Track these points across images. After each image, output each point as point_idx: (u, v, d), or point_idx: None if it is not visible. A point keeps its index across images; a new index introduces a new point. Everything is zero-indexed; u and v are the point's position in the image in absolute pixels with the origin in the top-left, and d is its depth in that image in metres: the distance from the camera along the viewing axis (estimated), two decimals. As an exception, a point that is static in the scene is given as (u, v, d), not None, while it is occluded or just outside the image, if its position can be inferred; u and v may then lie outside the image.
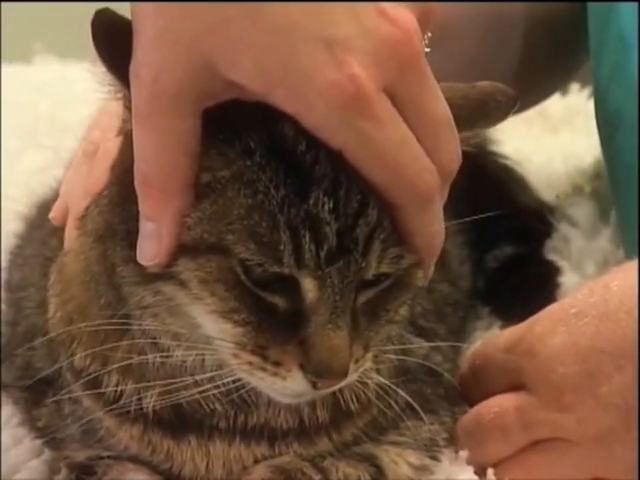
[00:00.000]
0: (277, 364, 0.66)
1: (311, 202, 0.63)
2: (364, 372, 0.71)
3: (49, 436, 0.80)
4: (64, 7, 1.97)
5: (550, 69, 1.26)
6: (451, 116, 0.67)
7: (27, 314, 0.85)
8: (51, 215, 0.87)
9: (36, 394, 0.81)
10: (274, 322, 0.66)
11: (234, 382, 0.69)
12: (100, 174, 0.77)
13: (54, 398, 0.78)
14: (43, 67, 1.88)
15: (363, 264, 0.65)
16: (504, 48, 1.21)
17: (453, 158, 0.68)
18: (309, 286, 0.64)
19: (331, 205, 0.63)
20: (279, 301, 0.66)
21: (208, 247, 0.65)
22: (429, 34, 0.73)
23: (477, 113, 0.72)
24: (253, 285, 0.65)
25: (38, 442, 0.82)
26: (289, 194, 0.63)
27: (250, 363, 0.66)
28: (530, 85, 1.23)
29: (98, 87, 0.68)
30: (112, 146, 0.75)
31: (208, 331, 0.68)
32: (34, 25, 2.24)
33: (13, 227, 1.02)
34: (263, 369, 0.66)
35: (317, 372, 0.65)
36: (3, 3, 2.14)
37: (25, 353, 0.82)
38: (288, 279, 0.65)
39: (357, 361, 0.68)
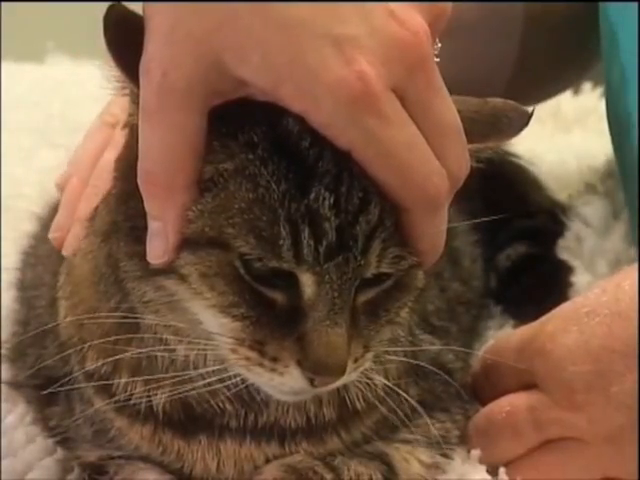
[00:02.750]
0: (274, 360, 0.66)
1: (312, 197, 0.63)
2: (365, 372, 0.71)
3: (61, 435, 0.81)
4: (76, 6, 1.97)
5: (554, 63, 1.26)
6: (460, 123, 0.67)
7: (38, 313, 0.85)
8: (57, 181, 0.89)
9: (48, 393, 0.81)
10: (273, 318, 0.66)
11: (236, 376, 0.69)
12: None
13: (55, 384, 0.77)
14: (55, 66, 1.88)
15: (362, 262, 0.65)
16: (501, 41, 1.20)
17: (461, 164, 0.68)
18: (308, 282, 0.64)
19: (332, 201, 0.63)
20: (278, 296, 0.66)
21: (208, 241, 0.65)
22: (439, 44, 0.73)
23: (489, 128, 0.71)
24: (252, 280, 0.65)
25: (51, 441, 0.82)
26: (290, 189, 0.63)
27: (248, 358, 0.66)
28: (530, 81, 1.23)
29: (110, 86, 0.68)
30: None
31: (208, 326, 0.68)
32: (46, 24, 2.25)
33: (27, 227, 1.02)
34: (261, 365, 0.66)
35: (314, 369, 0.65)
36: (16, 3, 2.15)
37: (37, 352, 0.82)
38: (287, 274, 0.65)
39: (356, 360, 0.68)
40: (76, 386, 0.76)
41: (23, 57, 1.86)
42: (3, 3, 2.17)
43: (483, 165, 0.72)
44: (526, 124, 0.72)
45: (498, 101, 0.73)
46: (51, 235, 0.84)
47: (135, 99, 0.66)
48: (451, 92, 0.68)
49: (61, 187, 0.89)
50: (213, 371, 0.70)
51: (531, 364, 0.78)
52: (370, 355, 0.69)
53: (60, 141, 1.41)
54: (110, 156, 0.84)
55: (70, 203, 0.84)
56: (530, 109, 0.73)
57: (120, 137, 0.83)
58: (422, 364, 0.78)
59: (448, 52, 0.70)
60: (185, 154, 0.64)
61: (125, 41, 0.65)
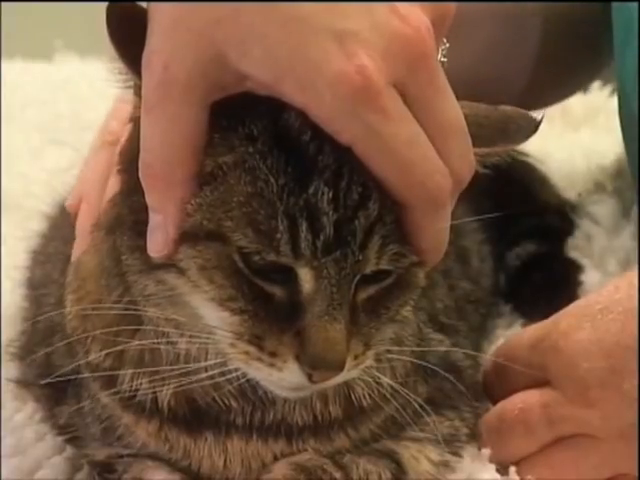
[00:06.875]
0: (273, 355, 0.66)
1: (310, 191, 0.63)
2: (370, 370, 0.71)
3: (70, 434, 0.81)
4: (84, 4, 1.97)
5: (570, 66, 1.26)
6: (464, 122, 0.67)
7: (47, 311, 0.85)
8: (67, 203, 0.88)
9: (57, 392, 0.81)
10: (271, 312, 0.66)
11: (237, 370, 0.69)
12: None
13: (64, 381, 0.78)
14: (64, 64, 1.88)
15: (361, 257, 0.64)
16: (522, 39, 1.20)
17: (465, 164, 0.67)
18: (306, 276, 0.64)
19: (330, 196, 0.63)
20: (276, 291, 0.66)
21: (207, 234, 0.65)
22: (446, 44, 0.73)
23: (497, 134, 0.71)
24: (251, 273, 0.65)
25: (60, 439, 0.82)
26: (289, 183, 0.63)
27: (247, 353, 0.66)
28: (549, 80, 1.23)
29: (118, 84, 0.68)
30: None
31: (208, 320, 0.68)
32: (54, 22, 2.25)
33: (35, 225, 1.02)
34: (259, 359, 0.66)
35: (312, 364, 0.65)
36: (23, 2, 2.15)
37: (45, 350, 0.82)
38: (286, 269, 0.65)
39: (356, 357, 0.67)
40: (82, 376, 0.77)
41: (31, 55, 1.86)
42: (10, 2, 2.18)
43: (489, 171, 0.72)
44: (534, 131, 0.72)
45: (507, 108, 0.73)
46: None
47: (138, 92, 0.66)
48: (465, 94, 0.68)
49: (73, 208, 0.87)
50: (215, 364, 0.70)
51: (544, 361, 0.78)
52: (371, 353, 0.69)
53: (69, 140, 1.41)
54: (115, 182, 0.84)
55: (84, 232, 0.83)
56: (539, 117, 0.73)
57: None
58: (430, 364, 0.78)
59: (464, 45, 0.70)
60: (185, 147, 0.64)
61: (128, 34, 0.65)
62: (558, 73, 1.24)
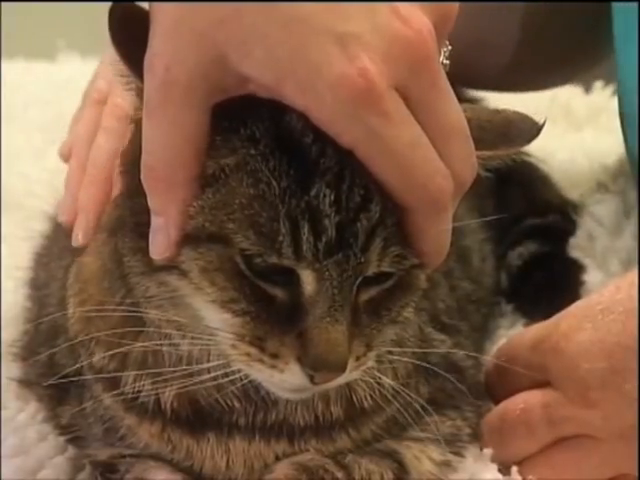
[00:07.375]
0: (275, 356, 0.66)
1: (312, 194, 0.63)
2: (371, 371, 0.71)
3: (72, 434, 0.81)
4: (87, 4, 1.98)
5: (558, 47, 1.25)
6: (466, 125, 0.66)
7: (50, 311, 0.85)
8: (59, 152, 0.93)
9: (59, 392, 0.81)
10: (273, 314, 0.66)
11: (239, 371, 0.69)
12: (109, 130, 0.83)
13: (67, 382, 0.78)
14: (66, 64, 1.88)
15: (362, 259, 0.64)
16: (504, 16, 1.20)
17: (467, 166, 0.67)
18: (308, 278, 0.64)
19: (332, 198, 0.63)
20: (278, 293, 0.66)
21: (209, 236, 0.65)
22: (449, 46, 0.72)
23: (499, 137, 0.71)
24: (253, 275, 0.65)
25: (62, 439, 0.82)
26: (291, 185, 0.63)
27: (248, 354, 0.66)
28: (534, 57, 1.23)
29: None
30: (120, 102, 0.76)
31: (209, 322, 0.68)
32: (57, 22, 2.26)
33: (38, 226, 1.02)
34: (261, 361, 0.66)
35: (314, 365, 0.65)
36: (26, 2, 2.16)
37: (48, 351, 0.82)
38: (287, 271, 0.65)
39: (358, 358, 0.67)
40: (85, 377, 0.77)
41: (34, 55, 1.86)
42: (12, 2, 2.18)
43: (491, 174, 0.72)
44: (536, 135, 0.72)
45: (510, 111, 0.73)
46: (60, 219, 0.86)
47: (140, 94, 0.66)
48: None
49: (64, 157, 0.93)
50: (217, 366, 0.70)
51: (545, 362, 0.78)
52: (373, 354, 0.69)
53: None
54: (101, 141, 0.87)
55: (72, 188, 0.87)
56: (541, 120, 0.73)
57: (108, 120, 0.87)
58: (432, 364, 0.78)
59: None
60: (187, 149, 0.64)
61: (130, 36, 0.65)
62: (544, 52, 1.24)
